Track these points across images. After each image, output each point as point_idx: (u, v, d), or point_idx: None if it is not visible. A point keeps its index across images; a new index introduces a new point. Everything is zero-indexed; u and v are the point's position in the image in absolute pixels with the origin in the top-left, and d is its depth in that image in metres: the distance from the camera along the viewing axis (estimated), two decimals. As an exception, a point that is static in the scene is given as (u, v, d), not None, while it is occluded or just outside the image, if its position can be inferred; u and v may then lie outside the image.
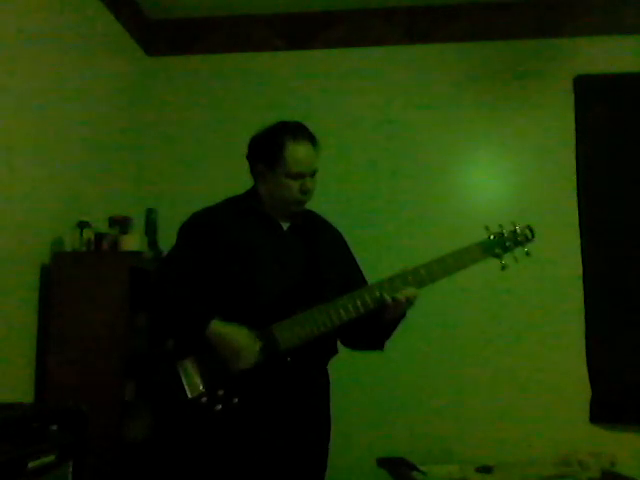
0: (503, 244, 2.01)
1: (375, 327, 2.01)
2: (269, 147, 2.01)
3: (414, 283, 1.93)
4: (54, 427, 2.16)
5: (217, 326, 1.87)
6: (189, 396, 1.86)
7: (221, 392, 1.86)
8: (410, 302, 1.93)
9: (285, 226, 2.07)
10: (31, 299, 2.84)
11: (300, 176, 1.99)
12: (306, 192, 2.01)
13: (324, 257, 2.04)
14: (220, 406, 1.85)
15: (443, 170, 3.83)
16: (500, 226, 2.03)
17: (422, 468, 3.07)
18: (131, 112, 3.90)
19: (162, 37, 4.08)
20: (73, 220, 3.01)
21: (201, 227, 2.04)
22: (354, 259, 2.19)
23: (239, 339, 1.86)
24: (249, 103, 3.90)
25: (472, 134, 3.84)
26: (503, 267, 1.99)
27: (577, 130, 3.73)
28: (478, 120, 3.84)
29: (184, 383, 1.86)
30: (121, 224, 3.12)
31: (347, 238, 2.21)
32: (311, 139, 2.03)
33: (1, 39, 2.68)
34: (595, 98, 3.74)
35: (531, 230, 2.04)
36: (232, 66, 4.02)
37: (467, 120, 3.84)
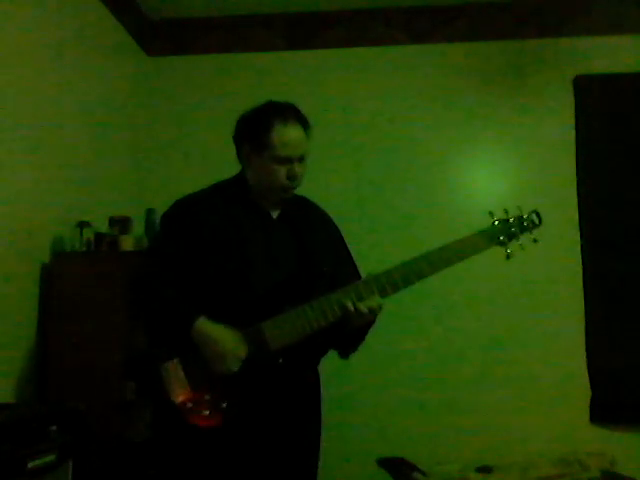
0: (508, 230, 1.91)
1: (341, 336, 1.90)
2: (256, 128, 1.89)
3: (413, 275, 1.82)
4: (54, 427, 2.16)
5: (203, 325, 1.76)
6: (175, 402, 1.75)
7: (208, 397, 1.76)
8: (374, 313, 1.81)
9: (274, 214, 1.95)
10: (31, 299, 2.84)
11: (288, 160, 1.86)
12: (294, 178, 1.88)
13: (315, 248, 1.93)
14: (208, 412, 1.75)
15: (443, 169, 3.82)
16: (505, 211, 1.93)
17: (422, 468, 3.06)
18: (131, 112, 3.90)
19: (162, 37, 4.08)
20: (73, 220, 3.02)
21: (185, 218, 1.93)
22: (345, 246, 2.08)
23: (225, 342, 1.75)
24: (249, 103, 3.86)
25: (472, 134, 3.83)
26: (508, 256, 1.88)
27: (577, 130, 3.73)
28: (478, 120, 3.84)
29: (167, 388, 1.75)
30: (121, 224, 3.12)
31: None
32: (301, 121, 1.91)
33: (1, 39, 2.68)
34: (595, 98, 3.74)
35: (538, 215, 1.93)
36: (232, 66, 4.02)
37: (467, 120, 3.84)
